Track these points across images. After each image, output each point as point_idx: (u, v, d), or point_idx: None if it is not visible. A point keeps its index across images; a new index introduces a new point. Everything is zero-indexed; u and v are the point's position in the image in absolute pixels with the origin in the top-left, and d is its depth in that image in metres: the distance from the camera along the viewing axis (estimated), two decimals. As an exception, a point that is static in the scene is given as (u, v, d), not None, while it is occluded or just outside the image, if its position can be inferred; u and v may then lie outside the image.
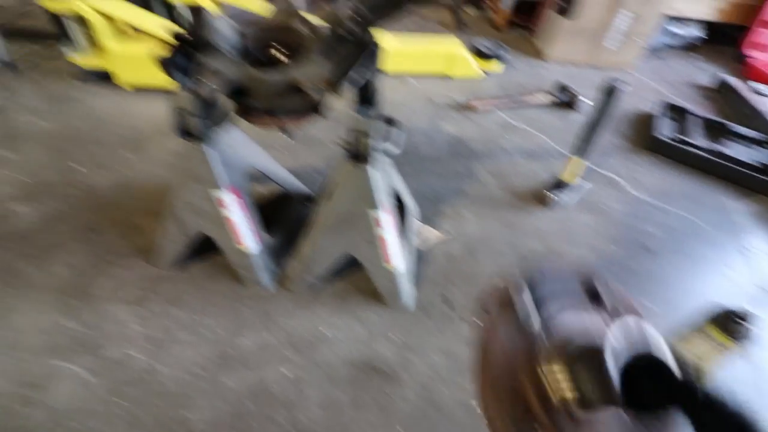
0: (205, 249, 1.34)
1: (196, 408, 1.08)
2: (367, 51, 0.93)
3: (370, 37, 0.89)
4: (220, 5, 2.16)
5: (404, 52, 2.40)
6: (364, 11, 0.84)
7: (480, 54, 2.52)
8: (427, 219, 1.64)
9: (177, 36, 0.95)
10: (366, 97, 1.00)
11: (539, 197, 1.78)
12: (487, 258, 1.54)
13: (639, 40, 2.76)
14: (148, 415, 1.06)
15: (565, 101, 2.44)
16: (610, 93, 1.39)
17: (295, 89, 0.96)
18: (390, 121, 1.12)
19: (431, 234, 1.57)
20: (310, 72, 0.93)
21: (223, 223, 1.21)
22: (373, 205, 1.14)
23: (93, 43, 2.06)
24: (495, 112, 2.31)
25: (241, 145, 1.28)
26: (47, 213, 1.51)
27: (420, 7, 0.87)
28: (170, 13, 2.18)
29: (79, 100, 2.05)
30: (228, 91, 0.94)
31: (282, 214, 1.52)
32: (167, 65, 0.93)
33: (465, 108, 2.30)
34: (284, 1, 1.06)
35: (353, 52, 0.92)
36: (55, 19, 1.96)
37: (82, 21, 1.94)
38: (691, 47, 3.32)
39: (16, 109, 1.98)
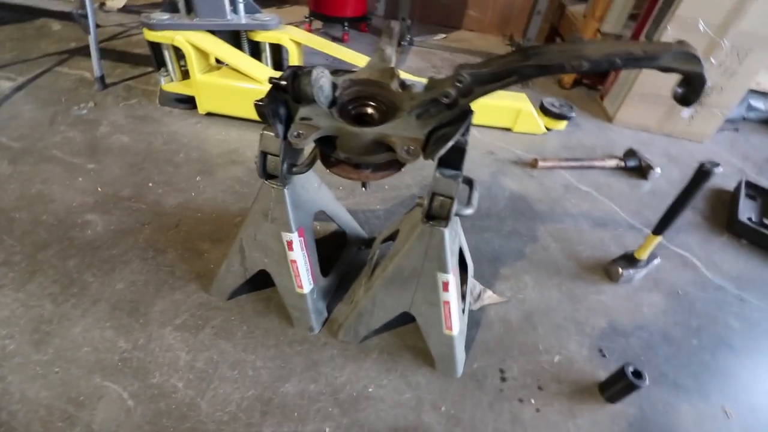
0: (259, 282, 1.33)
1: (232, 457, 1.03)
2: (461, 116, 0.91)
3: (467, 103, 0.87)
4: (300, 46, 2.27)
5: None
6: (468, 80, 0.82)
7: (546, 111, 2.48)
8: (484, 278, 1.56)
9: (275, 83, 0.97)
10: (451, 160, 0.98)
11: (606, 270, 1.66)
12: (547, 330, 1.43)
13: (719, 113, 2.63)
14: (184, 456, 1.02)
15: (634, 168, 2.33)
16: (702, 176, 1.29)
17: (383, 146, 0.95)
18: (470, 183, 1.08)
19: (487, 295, 1.48)
20: (401, 131, 0.91)
21: (287, 264, 1.20)
22: (443, 268, 1.09)
23: (182, 72, 2.22)
24: (559, 172, 2.23)
25: (314, 187, 1.28)
26: (116, 226, 1.57)
27: (518, 83, 0.84)
28: (256, 50, 2.32)
29: (159, 121, 2.18)
30: (317, 141, 0.94)
31: (337, 256, 1.49)
32: (263, 109, 0.95)
33: (528, 165, 2.25)
34: (379, 56, 1.07)
35: (447, 116, 0.90)
36: (153, 47, 2.12)
37: (178, 52, 2.10)
38: (770, 123, 3.14)
39: (101, 121, 2.14)
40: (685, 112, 2.68)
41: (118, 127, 2.10)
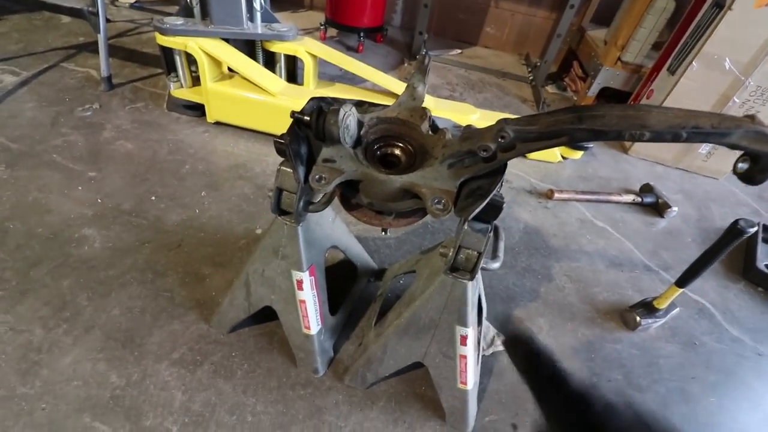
0: (262, 314, 1.26)
1: None
2: (498, 170, 0.84)
3: (506, 159, 0.80)
4: (316, 59, 2.20)
5: (487, 127, 2.34)
6: (511, 136, 0.76)
7: (563, 140, 2.42)
8: (497, 321, 1.50)
9: (297, 118, 0.90)
10: (483, 213, 0.91)
11: (623, 317, 1.60)
12: (562, 382, 1.37)
13: (738, 152, 2.57)
14: None
15: (651, 204, 2.27)
16: (735, 234, 1.23)
17: (409, 193, 0.88)
18: (495, 231, 1.01)
19: (501, 340, 1.42)
20: (431, 181, 0.85)
21: (296, 304, 1.13)
22: (463, 322, 1.02)
23: (193, 78, 2.15)
24: (575, 204, 2.17)
25: (329, 221, 1.22)
26: (115, 243, 1.50)
27: (566, 145, 0.77)
28: (270, 60, 2.25)
29: (166, 128, 2.11)
30: (338, 183, 0.87)
31: (346, 289, 1.42)
32: (283, 147, 0.88)
33: (543, 195, 2.19)
34: (410, 94, 1.01)
35: (482, 169, 0.83)
36: (165, 52, 2.05)
37: (189, 58, 2.03)
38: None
39: (105, 125, 2.06)
40: (704, 147, 2.63)
41: (122, 132, 2.03)
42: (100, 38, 2.21)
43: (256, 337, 1.29)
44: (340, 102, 0.97)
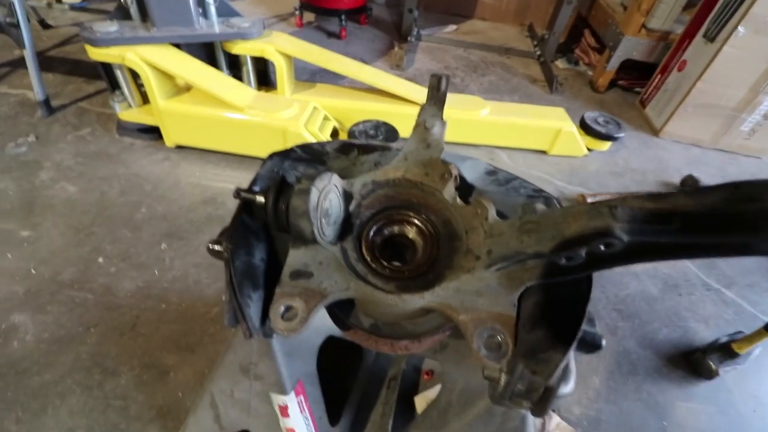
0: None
1: None
2: (584, 280, 0.51)
3: (601, 267, 0.47)
4: (290, 59, 1.82)
5: (502, 124, 1.98)
6: (623, 241, 0.42)
7: (588, 129, 2.07)
8: (543, 388, 1.19)
9: (245, 199, 0.56)
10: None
11: (695, 365, 1.30)
12: (632, 466, 1.08)
13: (786, 126, 2.23)
14: None
15: (696, 200, 1.94)
16: None
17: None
18: (595, 343, 0.69)
19: (554, 424, 1.12)
20: (472, 300, 0.52)
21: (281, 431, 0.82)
22: (520, 460, 0.71)
23: (142, 95, 1.77)
24: (610, 211, 1.84)
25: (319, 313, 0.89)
26: (52, 332, 1.17)
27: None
28: (235, 64, 1.86)
29: (117, 159, 1.75)
30: (325, 305, 0.54)
31: (348, 374, 1.11)
32: (219, 257, 0.55)
33: (573, 202, 1.85)
34: (420, 137, 0.66)
35: (557, 273, 0.50)
36: (105, 68, 1.67)
37: (134, 73, 1.64)
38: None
39: (43, 163, 1.70)
40: (746, 125, 2.27)
41: (63, 172, 1.67)
42: (27, 55, 1.82)
43: (238, 455, 0.99)
44: (314, 168, 0.64)
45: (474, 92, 2.54)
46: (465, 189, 0.65)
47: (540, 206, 0.52)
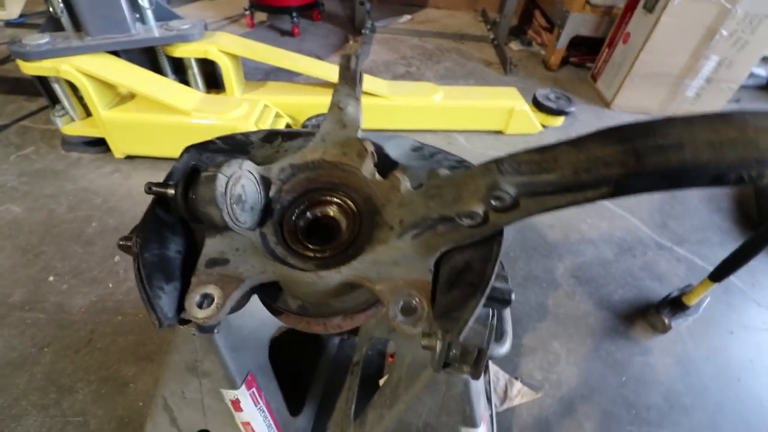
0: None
1: None
2: (491, 237, 0.52)
3: (505, 222, 0.48)
4: (237, 58, 1.79)
5: (455, 107, 2.01)
6: (511, 195, 0.44)
7: (540, 107, 2.11)
8: (507, 358, 1.23)
9: (157, 193, 0.56)
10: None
11: (649, 321, 1.35)
12: (595, 423, 1.12)
13: (726, 88, 2.33)
14: None
15: (647, 165, 2.01)
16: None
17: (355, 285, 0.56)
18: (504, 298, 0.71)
19: (516, 389, 1.15)
20: (389, 269, 0.53)
21: (238, 427, 0.81)
22: (470, 422, 0.73)
23: (84, 107, 1.71)
24: (566, 183, 1.89)
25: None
26: (5, 355, 1.13)
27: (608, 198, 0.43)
28: (180, 68, 1.82)
29: (64, 175, 1.69)
30: (244, 290, 0.54)
31: (311, 362, 1.11)
32: (128, 252, 0.55)
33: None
34: (336, 118, 0.66)
35: (465, 235, 0.51)
36: (42, 83, 1.61)
37: (73, 85, 1.59)
38: (771, 88, 2.88)
39: (-12, 186, 1.63)
40: (691, 90, 2.36)
41: (7, 193, 1.61)
42: (-43, 74, 1.73)
43: (204, 457, 0.98)
44: (225, 154, 0.63)
45: (430, 80, 2.55)
46: (390, 166, 0.66)
47: (444, 172, 0.53)
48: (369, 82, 1.93)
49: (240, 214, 0.55)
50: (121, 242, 0.56)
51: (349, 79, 0.67)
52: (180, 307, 0.51)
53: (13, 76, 2.33)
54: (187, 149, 0.66)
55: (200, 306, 0.50)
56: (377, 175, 0.62)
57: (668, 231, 1.72)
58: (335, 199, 0.63)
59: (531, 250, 1.57)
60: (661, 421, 1.14)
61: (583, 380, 1.20)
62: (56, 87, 1.62)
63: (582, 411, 1.14)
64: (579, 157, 0.42)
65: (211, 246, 0.55)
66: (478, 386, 0.73)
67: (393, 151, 0.70)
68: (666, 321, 1.30)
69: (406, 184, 0.58)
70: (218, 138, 0.70)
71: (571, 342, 1.29)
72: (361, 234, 0.60)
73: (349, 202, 0.63)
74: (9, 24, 2.83)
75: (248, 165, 0.57)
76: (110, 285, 1.31)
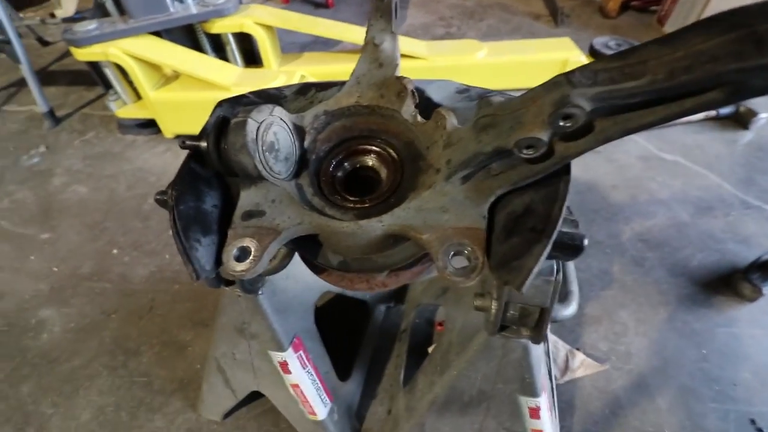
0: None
1: None
2: (558, 172, 0.45)
3: (573, 153, 0.40)
4: (272, 29, 1.76)
5: (501, 64, 1.86)
6: (585, 111, 0.36)
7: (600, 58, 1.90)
8: (566, 328, 1.14)
9: (190, 146, 0.54)
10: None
11: (736, 287, 1.19)
12: (670, 400, 1.01)
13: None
14: None
15: (729, 116, 1.76)
16: None
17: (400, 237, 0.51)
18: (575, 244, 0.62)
19: (578, 361, 1.06)
20: (436, 216, 0.47)
21: (287, 389, 0.81)
22: (529, 391, 0.67)
23: (134, 90, 1.78)
24: (631, 138, 1.70)
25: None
26: (77, 322, 1.23)
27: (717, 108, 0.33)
28: (219, 45, 1.83)
29: (122, 157, 1.78)
30: (281, 242, 0.51)
31: (357, 331, 1.09)
32: (165, 207, 0.53)
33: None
34: (371, 56, 0.60)
35: (525, 173, 0.44)
36: (95, 68, 1.69)
37: (121, 69, 1.65)
38: None
39: (54, 169, 1.76)
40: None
41: (74, 175, 1.72)
42: (24, 69, 1.86)
43: (258, 419, 1.01)
44: (259, 102, 0.60)
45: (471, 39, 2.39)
46: (428, 105, 0.59)
47: (497, 98, 0.46)
48: (406, 43, 1.83)
49: (274, 163, 0.51)
50: (157, 196, 0.54)
51: (384, 11, 0.60)
52: (218, 261, 0.50)
53: (73, 69, 2.48)
54: (220, 103, 0.63)
55: (238, 259, 0.48)
56: (419, 117, 0.56)
57: (755, 187, 1.49)
58: (374, 148, 0.58)
59: (591, 213, 1.43)
60: (751, 398, 1.00)
61: (655, 352, 1.09)
62: (107, 72, 1.68)
63: (655, 385, 1.03)
64: (675, 54, 0.33)
65: (247, 198, 0.52)
66: (538, 352, 0.66)
67: (436, 94, 0.63)
68: (756, 287, 1.13)
69: (452, 120, 0.51)
70: (251, 92, 0.67)
71: (641, 311, 1.17)
72: (404, 182, 0.54)
73: (390, 150, 0.57)
74: (65, 20, 3.00)
75: (279, 111, 0.53)
76: (167, 256, 1.37)
